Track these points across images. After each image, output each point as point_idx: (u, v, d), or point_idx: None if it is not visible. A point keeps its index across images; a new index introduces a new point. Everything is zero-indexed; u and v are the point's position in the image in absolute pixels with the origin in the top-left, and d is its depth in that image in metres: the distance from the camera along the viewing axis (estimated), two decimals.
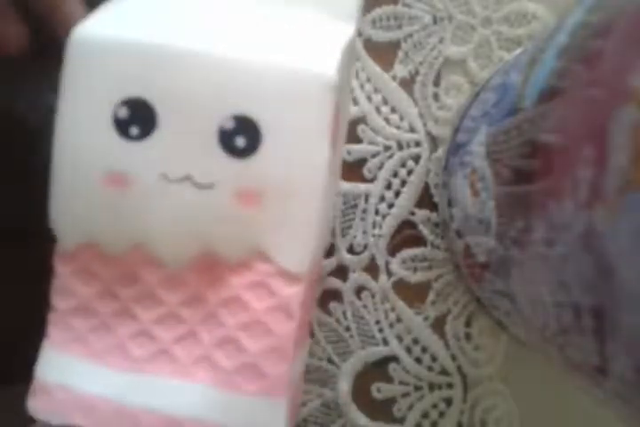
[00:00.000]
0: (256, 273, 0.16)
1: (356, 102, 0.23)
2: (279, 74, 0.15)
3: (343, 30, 0.17)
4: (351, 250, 0.23)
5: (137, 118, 0.15)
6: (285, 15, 0.17)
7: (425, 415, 0.23)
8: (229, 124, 0.15)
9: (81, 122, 0.15)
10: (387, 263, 0.23)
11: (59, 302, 0.16)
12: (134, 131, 0.15)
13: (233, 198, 0.15)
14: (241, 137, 0.15)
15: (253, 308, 0.16)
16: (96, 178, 0.15)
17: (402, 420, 0.23)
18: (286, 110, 0.15)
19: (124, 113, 0.15)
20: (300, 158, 0.15)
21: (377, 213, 0.23)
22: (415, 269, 0.23)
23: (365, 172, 0.23)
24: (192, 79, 0.15)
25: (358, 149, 0.23)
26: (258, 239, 0.16)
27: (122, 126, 0.15)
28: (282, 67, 0.15)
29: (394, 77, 0.23)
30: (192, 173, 0.15)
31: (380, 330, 0.23)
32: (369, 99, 0.23)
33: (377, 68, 0.23)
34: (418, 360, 0.23)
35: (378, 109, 0.23)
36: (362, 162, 0.23)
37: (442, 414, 0.23)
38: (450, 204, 0.21)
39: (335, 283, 0.23)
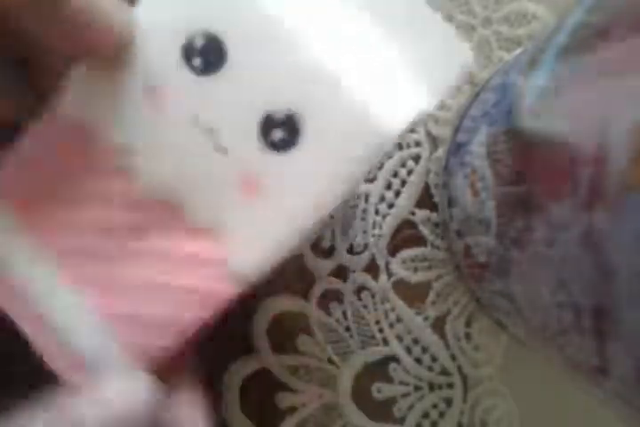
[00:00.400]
0: (201, 251, 0.15)
1: None
2: (344, 102, 0.15)
3: (424, 99, 0.17)
4: (351, 250, 0.23)
5: (206, 53, 0.15)
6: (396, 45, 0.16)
7: (425, 416, 0.23)
8: (277, 113, 0.15)
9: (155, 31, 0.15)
10: (387, 263, 0.23)
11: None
12: (197, 62, 0.15)
13: (237, 176, 0.15)
14: (280, 130, 0.15)
15: (179, 278, 0.15)
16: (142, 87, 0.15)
17: (402, 420, 0.23)
18: (329, 136, 0.15)
19: (198, 43, 0.15)
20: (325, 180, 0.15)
21: (377, 213, 0.23)
22: (415, 269, 0.23)
23: None
24: (268, 49, 0.15)
25: None
26: (228, 224, 0.15)
27: (188, 53, 0.15)
28: (351, 96, 0.15)
29: None
30: (220, 130, 0.15)
31: (380, 330, 0.23)
32: None
33: None
34: (418, 360, 0.23)
35: None
36: None
37: (442, 415, 0.23)
38: (450, 204, 0.21)
39: (335, 283, 0.23)
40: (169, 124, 0.15)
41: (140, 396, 0.13)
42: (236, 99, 0.15)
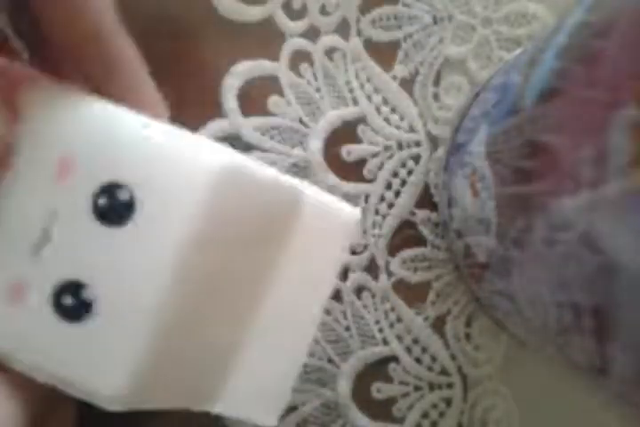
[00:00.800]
0: None
1: (355, 102, 0.23)
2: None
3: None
4: (351, 250, 0.23)
5: (115, 205, 0.14)
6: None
7: (425, 415, 0.23)
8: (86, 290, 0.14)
9: None
10: (387, 263, 0.23)
11: None
12: (102, 203, 0.14)
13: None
14: (70, 298, 0.14)
15: None
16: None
17: (402, 420, 0.23)
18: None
19: (109, 196, 0.14)
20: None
21: (377, 213, 0.23)
22: (415, 269, 0.23)
23: (365, 172, 0.23)
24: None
25: (358, 149, 0.23)
26: None
27: (97, 197, 0.14)
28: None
29: (394, 77, 0.23)
30: (53, 241, 0.14)
31: (380, 330, 0.23)
32: (369, 99, 0.23)
33: (377, 68, 0.23)
34: (418, 360, 0.23)
35: (378, 110, 0.23)
36: (362, 162, 0.23)
37: (442, 414, 0.23)
38: (450, 204, 0.22)
39: (335, 283, 0.23)
40: (41, 193, 0.14)
41: None
42: (84, 248, 0.14)
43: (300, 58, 0.23)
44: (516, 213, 0.16)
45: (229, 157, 0.14)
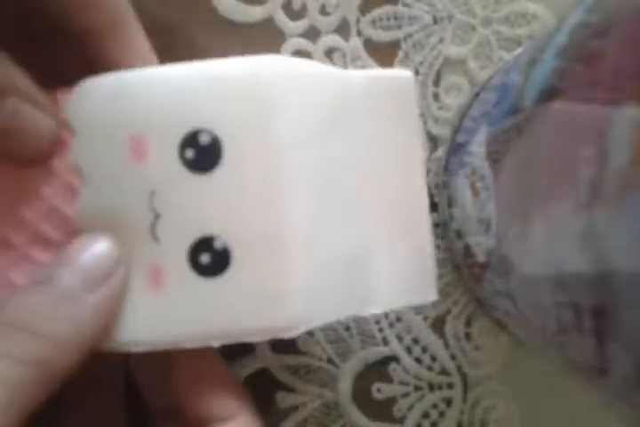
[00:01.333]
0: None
1: None
2: (276, 267, 0.14)
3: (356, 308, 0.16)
4: None
5: (203, 152, 0.14)
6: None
7: (425, 415, 0.23)
8: (217, 241, 0.14)
9: None
10: None
11: None
12: (190, 155, 0.14)
13: (150, 266, 0.14)
14: (209, 256, 0.14)
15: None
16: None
17: (402, 420, 0.23)
18: (245, 291, 0.14)
19: (201, 139, 0.14)
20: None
21: None
22: None
23: None
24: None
25: None
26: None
27: (186, 143, 0.14)
28: (285, 267, 0.14)
29: None
30: (165, 220, 0.14)
31: (380, 330, 0.23)
32: None
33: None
34: (418, 360, 0.23)
35: None
36: None
37: (442, 414, 0.23)
38: (450, 204, 0.22)
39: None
40: (129, 180, 0.15)
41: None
42: (195, 207, 0.14)
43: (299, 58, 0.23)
44: (515, 213, 0.16)
45: (278, 63, 0.15)
